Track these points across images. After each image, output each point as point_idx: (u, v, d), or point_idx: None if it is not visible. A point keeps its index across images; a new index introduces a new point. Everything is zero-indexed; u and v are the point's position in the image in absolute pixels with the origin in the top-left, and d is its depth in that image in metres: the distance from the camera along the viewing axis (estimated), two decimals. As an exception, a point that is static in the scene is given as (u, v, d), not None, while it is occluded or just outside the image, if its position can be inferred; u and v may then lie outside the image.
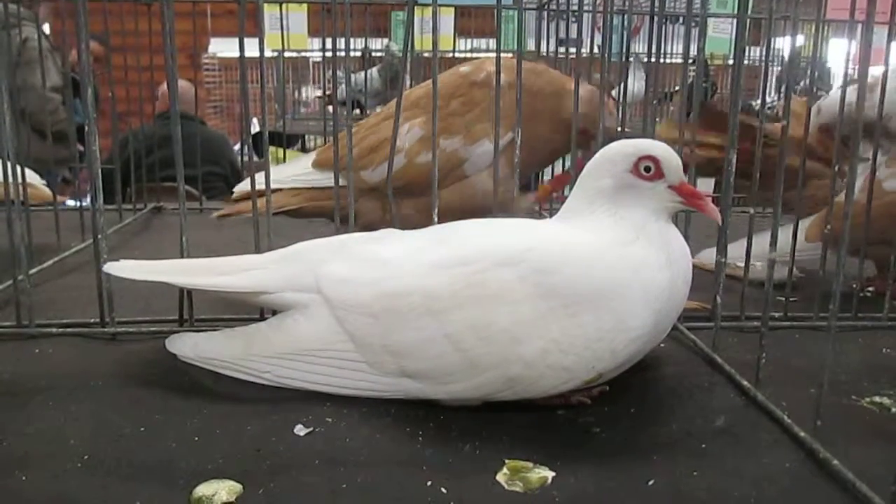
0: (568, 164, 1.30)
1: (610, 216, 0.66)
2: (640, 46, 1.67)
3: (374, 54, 3.13)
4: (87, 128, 0.77)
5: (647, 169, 0.66)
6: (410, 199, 0.94)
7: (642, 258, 0.64)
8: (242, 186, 1.04)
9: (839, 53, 3.19)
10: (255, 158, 1.44)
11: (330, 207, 0.89)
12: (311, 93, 4.40)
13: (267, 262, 0.73)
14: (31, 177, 1.24)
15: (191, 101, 2.50)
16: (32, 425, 0.61)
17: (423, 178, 0.94)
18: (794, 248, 0.92)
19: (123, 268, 0.72)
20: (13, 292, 0.83)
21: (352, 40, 0.80)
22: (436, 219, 0.82)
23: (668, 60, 1.76)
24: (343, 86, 0.84)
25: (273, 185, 0.84)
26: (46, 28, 2.35)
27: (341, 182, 0.84)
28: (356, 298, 0.66)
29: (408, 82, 1.08)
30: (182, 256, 0.80)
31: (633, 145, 0.67)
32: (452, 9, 2.27)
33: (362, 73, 3.09)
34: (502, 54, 0.83)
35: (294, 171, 1.03)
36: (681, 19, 2.07)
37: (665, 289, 0.64)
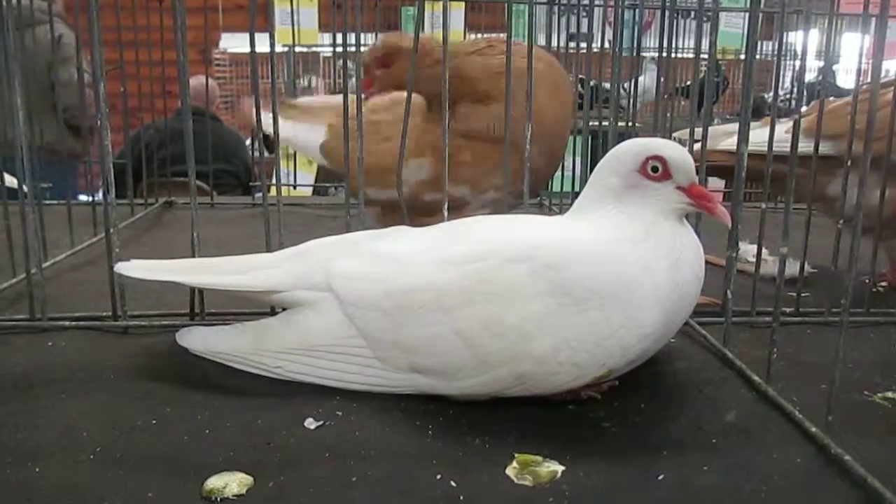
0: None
1: (618, 214, 0.66)
2: (651, 41, 1.67)
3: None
4: (98, 123, 0.78)
5: (655, 169, 0.65)
6: (416, 215, 0.93)
7: (653, 256, 0.64)
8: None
9: (852, 48, 3.17)
10: (266, 154, 1.44)
11: None
12: (319, 83, 4.41)
13: (277, 260, 0.73)
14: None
15: (203, 96, 2.51)
16: (45, 417, 0.62)
17: (428, 212, 0.94)
18: (805, 247, 0.91)
19: (135, 267, 0.73)
20: (26, 286, 0.84)
21: (362, 35, 0.80)
22: (445, 214, 0.82)
23: (679, 55, 1.76)
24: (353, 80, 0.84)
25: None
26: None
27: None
28: (366, 295, 0.66)
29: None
30: (193, 252, 0.80)
31: (641, 144, 0.67)
32: (463, 4, 2.27)
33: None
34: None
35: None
36: (692, 13, 2.06)
37: (676, 286, 0.64)
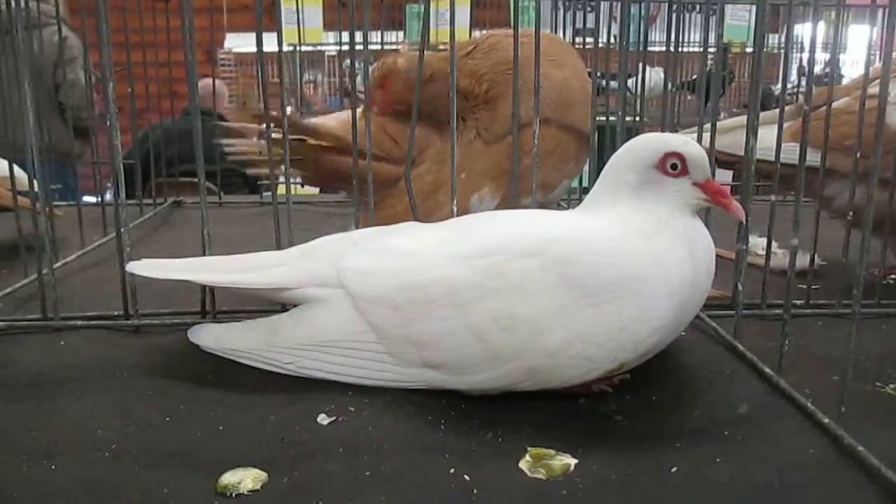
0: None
1: (632, 209, 0.66)
2: (657, 35, 1.67)
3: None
4: (108, 123, 0.78)
5: (674, 166, 0.65)
6: None
7: (664, 250, 0.64)
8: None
9: (860, 40, 3.15)
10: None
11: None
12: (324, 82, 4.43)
13: (288, 258, 0.73)
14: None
15: (209, 97, 2.51)
16: (59, 416, 0.62)
17: None
18: (815, 240, 0.91)
19: (146, 266, 0.73)
20: (38, 286, 0.85)
21: (367, 34, 0.80)
22: (454, 210, 0.82)
23: (685, 49, 1.75)
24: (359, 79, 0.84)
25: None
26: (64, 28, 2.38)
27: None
28: (378, 290, 0.66)
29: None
30: (203, 250, 0.80)
31: (661, 141, 0.67)
32: (468, 0, 2.26)
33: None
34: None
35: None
36: (698, 7, 2.05)
37: (687, 280, 0.64)
